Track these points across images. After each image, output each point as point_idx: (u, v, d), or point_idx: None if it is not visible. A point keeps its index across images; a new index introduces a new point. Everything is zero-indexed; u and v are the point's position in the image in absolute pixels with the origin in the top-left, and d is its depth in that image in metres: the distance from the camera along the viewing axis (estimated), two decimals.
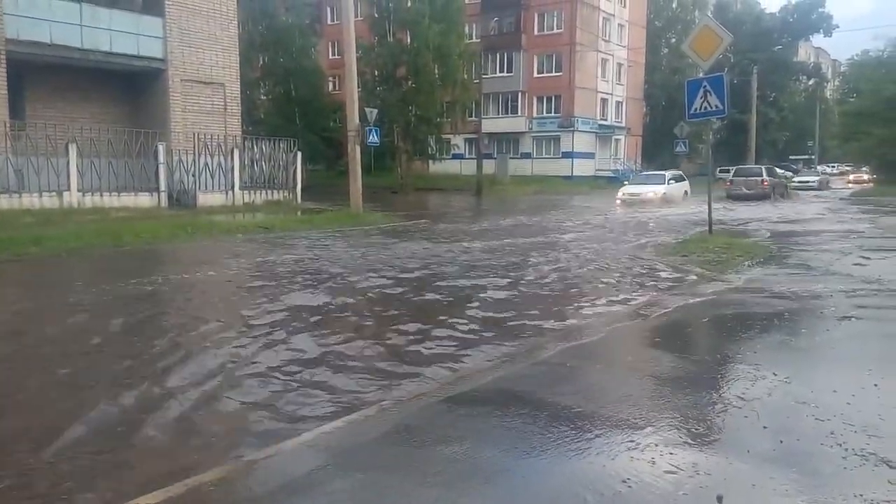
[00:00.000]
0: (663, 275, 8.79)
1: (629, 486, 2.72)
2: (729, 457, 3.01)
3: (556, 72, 46.75)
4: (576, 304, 7.13)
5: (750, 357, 4.64)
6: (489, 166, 42.27)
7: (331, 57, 51.23)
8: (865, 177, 43.25)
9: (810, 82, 67.12)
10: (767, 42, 55.64)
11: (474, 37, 45.77)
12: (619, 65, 51.84)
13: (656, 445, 3.13)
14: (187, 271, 9.51)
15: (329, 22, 52.51)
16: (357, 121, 18.30)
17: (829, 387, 3.96)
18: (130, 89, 22.11)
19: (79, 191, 17.74)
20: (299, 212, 19.84)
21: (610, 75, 50.84)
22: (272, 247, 12.18)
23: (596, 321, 6.10)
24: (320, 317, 6.50)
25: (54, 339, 5.76)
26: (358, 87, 20.27)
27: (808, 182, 40.69)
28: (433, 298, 7.44)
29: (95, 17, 19.34)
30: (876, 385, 3.92)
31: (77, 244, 11.69)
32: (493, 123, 46.98)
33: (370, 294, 7.71)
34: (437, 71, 38.50)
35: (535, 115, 47.98)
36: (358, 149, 18.24)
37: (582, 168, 47.01)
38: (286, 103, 44.96)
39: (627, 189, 26.82)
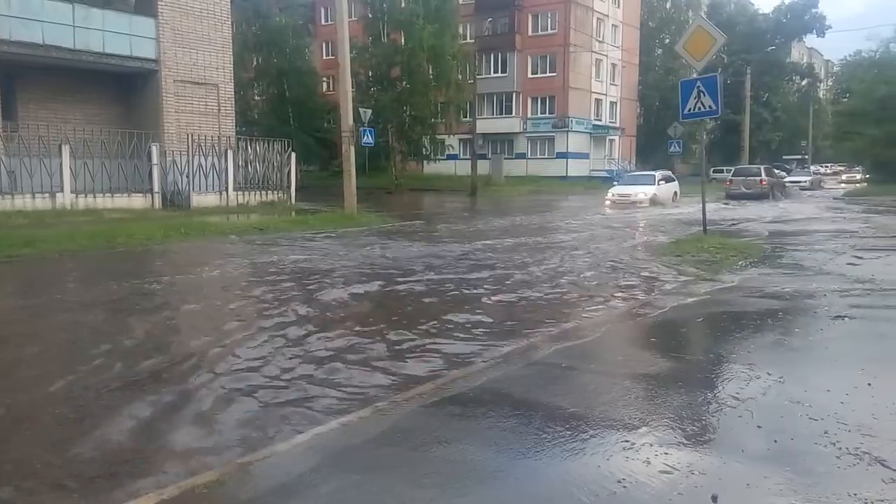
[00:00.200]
0: (658, 275, 8.80)
1: (624, 487, 2.72)
2: (723, 456, 3.02)
3: (550, 72, 46.85)
4: (570, 305, 7.14)
5: (744, 357, 4.65)
6: (484, 167, 42.33)
7: (325, 57, 51.23)
8: (858, 176, 43.48)
9: (803, 83, 67.43)
10: (761, 42, 55.85)
11: (468, 37, 45.81)
12: (613, 65, 51.98)
13: (651, 445, 3.13)
14: (181, 273, 9.47)
15: (323, 22, 52.52)
16: (351, 121, 18.29)
17: (823, 386, 3.97)
18: (123, 90, 22.03)
19: (72, 192, 17.68)
20: (293, 212, 19.80)
21: (604, 76, 50.97)
22: (266, 248, 12.14)
23: (590, 321, 6.10)
24: (318, 317, 6.48)
25: (44, 339, 5.73)
26: (352, 88, 20.26)
27: (799, 182, 40.89)
28: (427, 299, 7.42)
29: (88, 18, 19.27)
30: (869, 384, 3.93)
31: (70, 246, 11.63)
32: (488, 124, 47.02)
33: (364, 295, 7.69)
34: (431, 71, 38.53)
35: (529, 115, 48.07)
36: (352, 149, 18.22)
37: (576, 168, 47.11)
38: (280, 104, 44.92)
39: (617, 190, 26.40)
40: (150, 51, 20.87)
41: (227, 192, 21.20)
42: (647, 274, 8.92)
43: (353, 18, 34.92)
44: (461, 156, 47.78)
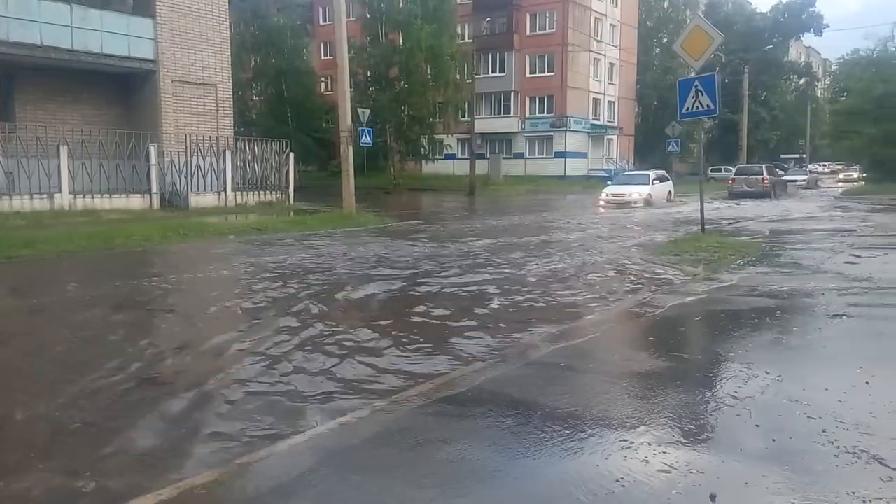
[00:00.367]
0: (656, 274, 8.80)
1: (622, 486, 2.72)
2: (722, 455, 3.02)
3: (548, 72, 46.87)
4: (569, 304, 7.14)
5: (742, 355, 4.65)
6: (482, 166, 42.33)
7: (323, 57, 51.20)
8: (855, 175, 43.54)
9: (801, 81, 67.48)
10: (758, 42, 55.91)
11: (466, 37, 45.85)
12: (611, 65, 52.02)
13: (649, 444, 3.13)
14: (179, 273, 9.47)
15: (321, 22, 52.49)
16: (349, 121, 18.29)
17: (821, 385, 3.97)
18: (121, 91, 22.01)
19: (70, 193, 17.67)
20: (292, 213, 19.79)
21: (602, 75, 51.02)
22: (264, 248, 12.14)
23: (588, 320, 6.11)
24: (316, 316, 6.48)
25: (40, 339, 5.73)
26: (350, 88, 20.26)
27: (796, 181, 40.95)
28: (425, 299, 7.42)
29: (86, 19, 19.25)
30: (867, 383, 3.93)
31: (69, 247, 11.62)
32: (486, 123, 47.03)
33: (363, 295, 7.69)
34: (429, 71, 38.55)
35: (527, 115, 48.10)
36: (350, 149, 18.23)
37: (575, 168, 47.14)
38: (278, 104, 44.92)
39: (611, 189, 25.89)
40: (149, 51, 20.85)
41: (225, 192, 21.19)
42: (645, 273, 8.93)
43: (352, 18, 34.89)
44: (459, 155, 47.78)
